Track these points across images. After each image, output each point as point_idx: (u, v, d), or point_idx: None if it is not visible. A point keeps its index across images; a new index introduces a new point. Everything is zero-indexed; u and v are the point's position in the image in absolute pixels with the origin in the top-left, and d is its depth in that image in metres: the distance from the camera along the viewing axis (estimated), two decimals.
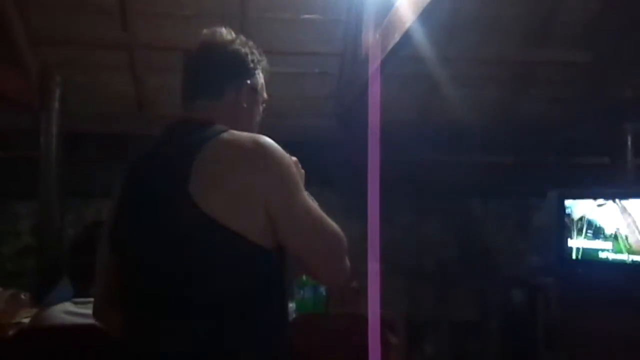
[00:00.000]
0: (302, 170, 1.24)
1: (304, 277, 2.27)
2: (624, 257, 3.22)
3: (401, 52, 2.33)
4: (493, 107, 4.07)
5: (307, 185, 1.23)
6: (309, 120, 3.93)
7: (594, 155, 4.22)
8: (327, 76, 3.79)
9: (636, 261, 3.14)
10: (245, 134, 1.12)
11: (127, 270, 1.14)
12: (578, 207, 3.52)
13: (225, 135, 1.10)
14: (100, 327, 1.34)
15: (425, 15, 1.92)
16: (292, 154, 1.22)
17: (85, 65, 3.50)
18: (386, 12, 2.39)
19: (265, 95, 1.31)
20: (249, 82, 1.24)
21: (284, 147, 1.21)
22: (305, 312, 2.38)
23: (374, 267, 1.30)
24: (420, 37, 2.07)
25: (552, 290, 3.87)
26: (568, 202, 3.56)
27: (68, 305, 1.71)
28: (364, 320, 1.82)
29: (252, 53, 1.26)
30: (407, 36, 2.10)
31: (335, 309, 2.44)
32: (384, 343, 1.81)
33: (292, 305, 2.56)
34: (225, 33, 1.25)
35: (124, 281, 1.15)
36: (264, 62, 1.30)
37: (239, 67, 1.24)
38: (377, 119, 1.42)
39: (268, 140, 1.12)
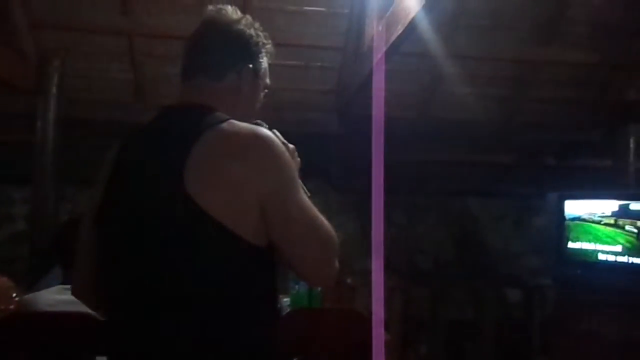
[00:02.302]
0: (298, 159, 1.21)
1: None
2: (623, 259, 3.20)
3: (404, 44, 2.30)
4: (495, 105, 4.03)
5: (305, 181, 1.21)
6: (309, 114, 3.90)
7: (596, 158, 4.20)
8: (329, 70, 3.76)
9: (635, 263, 3.12)
10: (245, 126, 1.07)
11: (112, 258, 1.11)
12: (578, 209, 3.50)
13: (224, 125, 1.06)
14: (83, 315, 1.31)
15: (428, 7, 1.90)
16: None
17: (85, 50, 3.47)
18: (390, 5, 2.36)
19: (267, 81, 1.25)
20: (251, 66, 1.19)
21: (284, 136, 1.18)
22: (299, 307, 2.36)
23: (378, 264, 1.26)
24: (423, 29, 2.04)
25: (549, 291, 3.86)
26: (568, 204, 3.54)
27: (53, 292, 1.68)
28: (359, 316, 1.80)
29: (257, 35, 1.21)
30: (410, 28, 2.07)
31: (329, 305, 2.42)
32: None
33: (286, 300, 2.54)
34: (231, 11, 1.20)
35: (107, 267, 1.12)
36: (269, 46, 1.24)
37: (243, 49, 1.19)
38: (381, 112, 1.38)
39: (268, 133, 1.09)
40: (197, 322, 1.02)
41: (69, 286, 1.63)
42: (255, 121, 1.23)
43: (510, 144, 4.25)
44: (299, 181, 1.15)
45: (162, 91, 3.56)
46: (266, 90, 1.26)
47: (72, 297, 1.29)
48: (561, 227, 3.55)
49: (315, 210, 1.10)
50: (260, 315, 1.08)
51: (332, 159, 3.87)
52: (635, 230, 3.12)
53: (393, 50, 2.37)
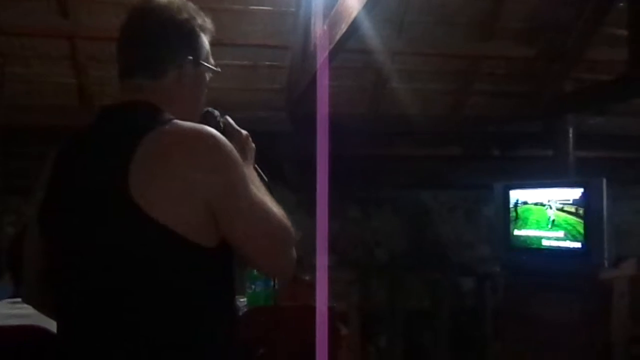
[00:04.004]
0: (253, 145, 1.20)
1: (255, 271, 2.25)
2: (564, 244, 3.35)
3: (348, 42, 2.33)
4: (440, 100, 4.14)
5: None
6: (260, 113, 3.90)
7: (538, 148, 4.37)
8: (278, 68, 3.76)
9: (577, 248, 3.28)
10: (189, 126, 1.05)
11: (58, 264, 1.09)
12: (522, 198, 3.64)
13: (167, 126, 1.03)
14: (35, 329, 1.28)
15: (370, 5, 1.92)
16: None
17: (24, 55, 3.35)
18: (334, 4, 2.39)
19: (211, 61, 1.19)
20: (191, 57, 1.14)
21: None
22: (256, 306, 2.36)
23: (322, 260, 1.29)
24: (367, 27, 2.07)
25: (499, 278, 4.00)
26: (513, 193, 3.68)
27: (3, 306, 1.62)
28: (315, 311, 1.82)
29: (192, 18, 1.14)
30: (353, 26, 2.10)
31: (285, 302, 2.43)
32: (334, 334, 1.82)
33: (243, 300, 2.55)
34: None
35: (53, 272, 1.10)
36: (208, 24, 1.17)
37: (180, 40, 1.12)
38: (325, 109, 1.41)
39: (212, 132, 1.06)
40: (148, 326, 1.00)
41: (18, 299, 1.59)
42: (206, 109, 1.22)
43: (458, 137, 4.37)
44: (252, 173, 1.14)
45: (108, 94, 3.47)
46: (215, 69, 1.20)
47: (23, 311, 1.26)
48: (507, 216, 3.69)
49: (267, 203, 1.09)
50: (216, 317, 1.07)
51: (285, 157, 3.88)
52: (583, 216, 3.27)
53: (338, 49, 2.40)
